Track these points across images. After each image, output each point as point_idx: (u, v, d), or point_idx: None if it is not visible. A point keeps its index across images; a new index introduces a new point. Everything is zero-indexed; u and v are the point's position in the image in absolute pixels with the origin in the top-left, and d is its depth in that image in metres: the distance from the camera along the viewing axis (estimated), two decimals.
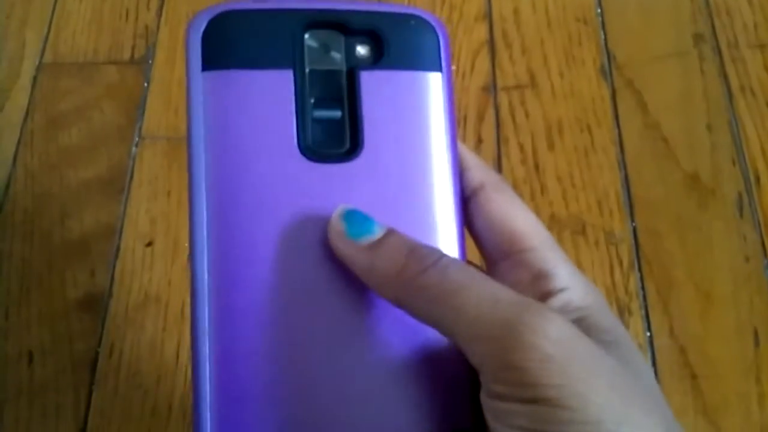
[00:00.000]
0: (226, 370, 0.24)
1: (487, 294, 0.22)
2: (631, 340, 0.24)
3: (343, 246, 0.25)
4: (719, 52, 0.76)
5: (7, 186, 0.74)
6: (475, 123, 0.74)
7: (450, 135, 0.28)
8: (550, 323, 0.21)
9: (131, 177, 0.74)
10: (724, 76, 0.75)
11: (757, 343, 0.64)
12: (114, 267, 0.70)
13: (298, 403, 0.25)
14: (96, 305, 0.69)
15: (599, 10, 0.80)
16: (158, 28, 0.82)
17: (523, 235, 0.27)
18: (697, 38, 0.77)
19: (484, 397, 0.22)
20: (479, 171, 0.28)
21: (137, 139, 0.76)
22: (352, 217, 0.25)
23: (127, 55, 0.81)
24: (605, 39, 0.78)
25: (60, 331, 0.68)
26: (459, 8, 0.81)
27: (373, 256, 0.24)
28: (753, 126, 0.73)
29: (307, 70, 0.27)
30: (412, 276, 0.23)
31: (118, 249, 0.71)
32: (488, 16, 0.80)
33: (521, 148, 0.73)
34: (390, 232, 0.25)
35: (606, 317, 0.25)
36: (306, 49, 0.27)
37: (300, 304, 0.25)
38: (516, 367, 0.21)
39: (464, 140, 0.74)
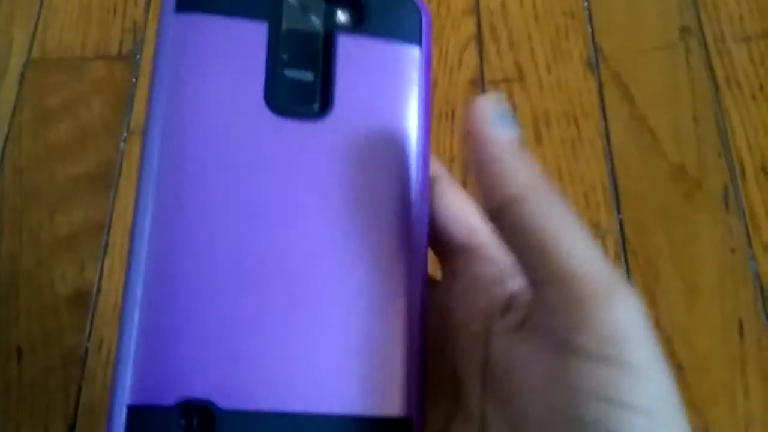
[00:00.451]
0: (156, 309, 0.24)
1: (591, 254, 0.22)
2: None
3: (487, 127, 0.23)
4: (705, 45, 0.77)
5: None
6: (463, 116, 0.75)
7: (422, 112, 0.27)
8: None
9: (120, 172, 0.74)
10: (711, 69, 0.76)
11: (742, 335, 0.64)
12: (103, 262, 0.70)
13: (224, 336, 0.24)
14: (85, 301, 0.69)
15: (586, 4, 0.80)
16: (146, 23, 0.82)
17: (480, 228, 0.27)
18: (684, 31, 0.78)
19: (545, 351, 0.22)
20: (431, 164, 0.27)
21: (125, 134, 0.76)
22: (500, 108, 0.24)
23: (115, 51, 0.81)
24: (592, 32, 0.78)
25: (49, 326, 0.68)
26: (447, 2, 0.81)
27: (514, 150, 0.23)
28: (739, 118, 0.73)
29: (283, 28, 0.26)
30: (546, 191, 0.23)
31: (107, 244, 0.71)
32: (476, 10, 0.80)
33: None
34: (521, 140, 0.24)
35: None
36: (284, 6, 0.26)
37: (251, 264, 0.24)
38: (614, 326, 0.21)
39: (452, 134, 0.74)
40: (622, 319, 0.21)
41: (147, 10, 0.83)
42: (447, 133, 0.74)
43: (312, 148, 0.25)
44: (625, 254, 0.68)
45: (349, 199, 0.25)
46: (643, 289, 0.67)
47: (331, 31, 0.26)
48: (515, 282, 0.26)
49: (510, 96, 0.76)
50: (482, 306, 0.26)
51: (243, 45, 0.25)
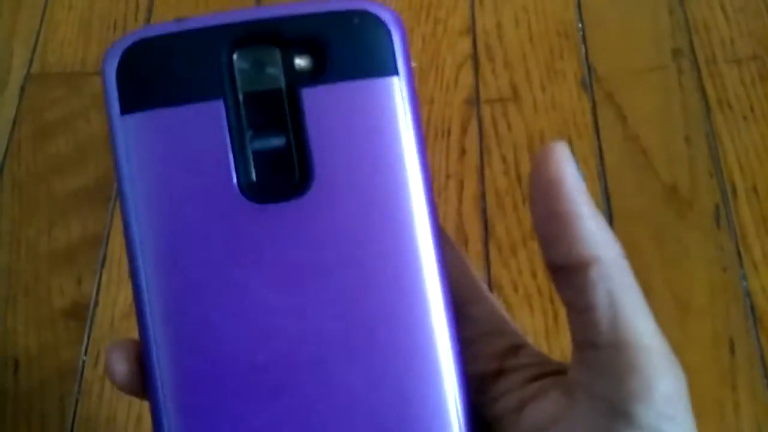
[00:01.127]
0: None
1: (653, 327, 0.23)
2: None
3: (574, 176, 0.23)
4: (697, 67, 0.78)
5: None
6: (458, 135, 0.76)
7: (418, 152, 0.24)
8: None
9: None
10: (702, 90, 0.77)
11: (732, 352, 0.65)
12: (101, 276, 0.71)
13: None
14: (82, 314, 0.69)
15: (580, 25, 0.81)
16: None
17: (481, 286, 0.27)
18: (676, 53, 0.79)
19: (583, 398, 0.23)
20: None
21: None
22: (573, 157, 0.23)
23: None
24: (586, 53, 0.79)
25: (46, 339, 0.68)
26: (443, 22, 0.82)
27: (597, 212, 0.23)
28: (730, 139, 0.74)
29: (240, 96, 0.23)
30: (621, 257, 0.23)
31: (104, 258, 0.72)
32: (472, 30, 0.81)
33: (504, 159, 0.74)
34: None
35: None
36: (236, 71, 0.23)
37: (268, 371, 0.23)
38: (671, 401, 0.22)
39: (448, 152, 0.75)
40: (677, 395, 0.22)
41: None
42: (443, 152, 0.75)
43: (298, 232, 0.23)
44: None
45: (355, 276, 0.23)
46: None
47: (293, 85, 0.23)
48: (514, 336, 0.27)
49: (505, 115, 0.76)
50: (489, 351, 0.26)
51: (201, 131, 0.23)
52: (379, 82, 0.23)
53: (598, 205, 0.71)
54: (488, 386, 0.25)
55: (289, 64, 0.23)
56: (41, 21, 0.84)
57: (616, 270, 0.23)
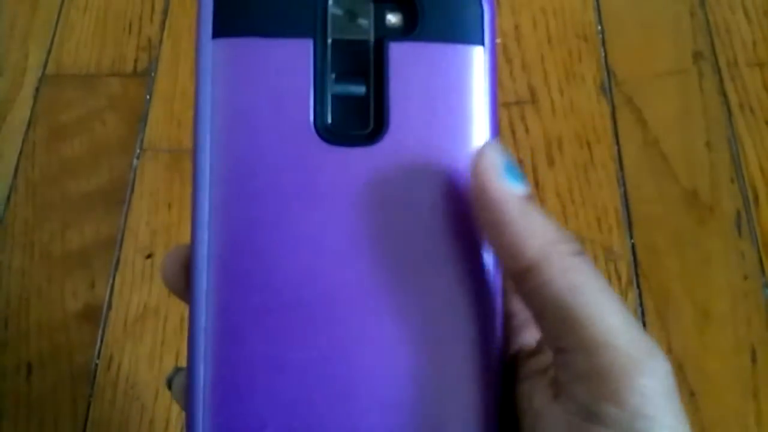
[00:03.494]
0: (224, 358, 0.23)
1: (619, 321, 0.21)
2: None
3: (497, 182, 0.22)
4: (718, 70, 0.77)
5: (8, 197, 0.75)
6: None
7: (491, 124, 0.24)
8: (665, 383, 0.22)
9: (132, 189, 0.74)
10: (724, 94, 0.76)
11: (754, 361, 0.64)
12: (114, 279, 0.70)
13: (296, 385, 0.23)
14: (95, 317, 0.69)
15: (599, 28, 0.80)
16: (161, 41, 0.83)
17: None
18: (697, 56, 0.78)
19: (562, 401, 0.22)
20: None
21: (139, 151, 0.76)
22: (506, 158, 0.22)
23: (129, 68, 0.81)
24: (605, 56, 0.79)
25: (59, 342, 0.68)
26: None
27: (527, 209, 0.22)
28: (752, 144, 0.73)
29: (329, 40, 0.23)
30: (559, 255, 0.22)
31: (118, 261, 0.71)
32: None
33: (521, 163, 0.73)
34: (533, 197, 0.23)
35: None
36: (329, 16, 0.23)
37: (315, 308, 0.23)
38: (645, 399, 0.21)
39: None
40: (653, 391, 0.21)
41: (162, 28, 0.84)
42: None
43: (366, 178, 0.23)
44: (638, 278, 0.68)
45: (413, 233, 0.23)
46: (654, 313, 0.66)
47: (382, 38, 0.23)
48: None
49: (523, 119, 0.76)
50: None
51: (287, 67, 0.23)
52: (465, 48, 0.24)
53: (616, 210, 0.70)
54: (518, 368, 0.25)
55: (380, 18, 0.24)
56: (56, 23, 0.84)
57: (560, 270, 0.22)
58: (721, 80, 0.76)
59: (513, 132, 0.75)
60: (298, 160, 0.23)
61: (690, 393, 0.63)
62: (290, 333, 0.23)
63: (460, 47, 0.24)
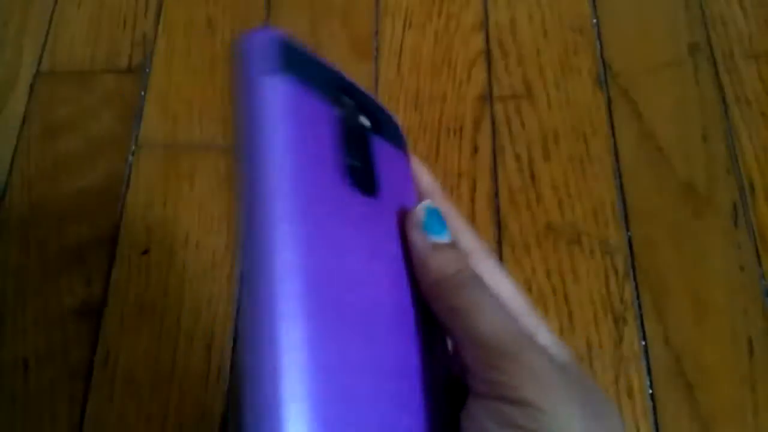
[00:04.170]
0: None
1: (499, 320, 0.27)
2: (597, 387, 0.29)
3: (416, 235, 0.29)
4: (714, 62, 0.77)
5: (4, 194, 0.74)
6: (471, 132, 0.75)
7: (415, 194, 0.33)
8: (542, 357, 0.26)
9: (128, 185, 0.74)
10: (719, 86, 0.75)
11: (751, 352, 0.64)
12: (110, 275, 0.70)
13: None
14: (92, 313, 0.69)
15: (595, 20, 0.80)
16: (156, 36, 0.83)
17: (508, 301, 0.30)
18: (693, 48, 0.78)
19: (472, 400, 0.26)
20: (468, 237, 0.32)
21: (134, 147, 0.76)
22: (432, 214, 0.29)
23: (124, 64, 0.81)
24: (601, 49, 0.78)
25: (55, 339, 0.68)
26: (456, 18, 0.81)
27: (431, 255, 0.28)
28: (748, 136, 0.73)
29: (345, 120, 0.28)
30: (448, 288, 0.28)
31: (114, 257, 0.71)
32: (485, 26, 0.80)
33: (517, 157, 0.73)
34: (453, 243, 0.29)
35: (576, 367, 0.30)
36: (344, 102, 0.29)
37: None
38: (509, 373, 0.25)
39: (460, 150, 0.74)
40: (538, 372, 0.25)
41: (157, 24, 0.83)
42: (455, 148, 0.74)
43: (382, 219, 0.29)
44: (634, 271, 0.68)
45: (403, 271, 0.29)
46: (651, 306, 0.66)
47: (366, 129, 0.30)
48: None
49: (519, 112, 0.76)
50: None
51: (325, 121, 0.27)
52: (402, 152, 0.33)
53: (613, 203, 0.70)
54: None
55: (365, 118, 0.31)
56: (51, 19, 0.84)
57: (452, 283, 0.28)
58: (717, 72, 0.76)
59: (509, 126, 0.75)
60: (330, 192, 0.26)
61: (687, 385, 0.63)
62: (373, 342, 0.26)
63: (400, 151, 0.33)
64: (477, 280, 0.28)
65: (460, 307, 0.27)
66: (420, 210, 0.29)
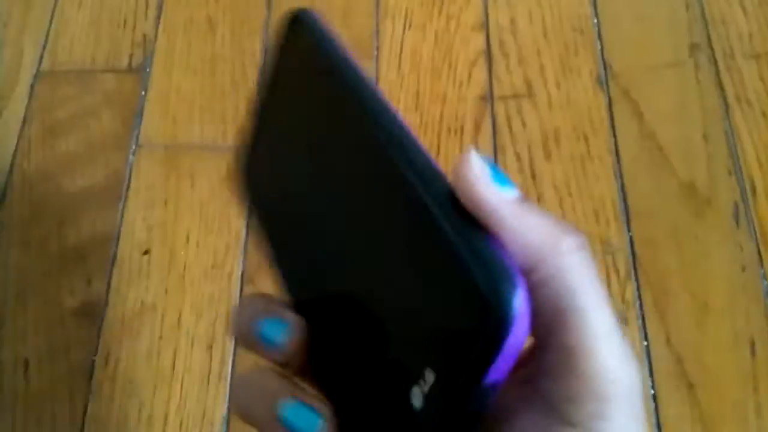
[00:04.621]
0: None
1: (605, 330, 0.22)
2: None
3: (487, 189, 0.21)
4: (715, 62, 0.77)
5: (4, 194, 0.74)
6: (472, 132, 0.75)
7: None
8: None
9: (128, 185, 0.74)
10: (720, 86, 0.75)
11: (753, 353, 0.64)
12: (111, 275, 0.70)
13: None
14: (92, 314, 0.69)
15: (596, 20, 0.80)
16: (156, 36, 0.82)
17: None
18: (693, 48, 0.78)
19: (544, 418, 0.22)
20: None
21: (134, 147, 0.76)
22: (491, 164, 0.22)
23: (124, 63, 0.81)
24: (601, 49, 0.78)
25: (56, 339, 0.68)
26: (456, 18, 0.81)
27: (521, 211, 0.22)
28: (749, 136, 0.73)
29: None
30: (556, 254, 0.22)
31: (114, 257, 0.71)
32: (485, 26, 0.80)
33: (518, 157, 0.73)
34: (524, 197, 0.22)
35: None
36: None
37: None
38: (605, 402, 0.21)
39: (461, 150, 0.74)
40: (617, 398, 0.21)
41: (157, 24, 0.83)
42: (455, 148, 0.74)
43: None
44: (636, 271, 0.68)
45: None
46: (653, 306, 0.66)
47: None
48: None
49: (519, 112, 0.75)
50: None
51: None
52: None
53: (614, 203, 0.70)
54: None
55: None
56: (51, 19, 0.84)
57: (557, 271, 0.22)
58: (717, 72, 0.76)
59: (510, 126, 0.75)
60: None
61: (689, 386, 0.63)
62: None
63: None
64: (585, 260, 0.22)
65: (564, 306, 0.21)
66: (475, 159, 0.22)
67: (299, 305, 0.26)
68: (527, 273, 0.21)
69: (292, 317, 0.25)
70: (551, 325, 0.22)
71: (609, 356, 0.21)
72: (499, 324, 0.19)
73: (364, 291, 0.24)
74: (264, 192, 0.30)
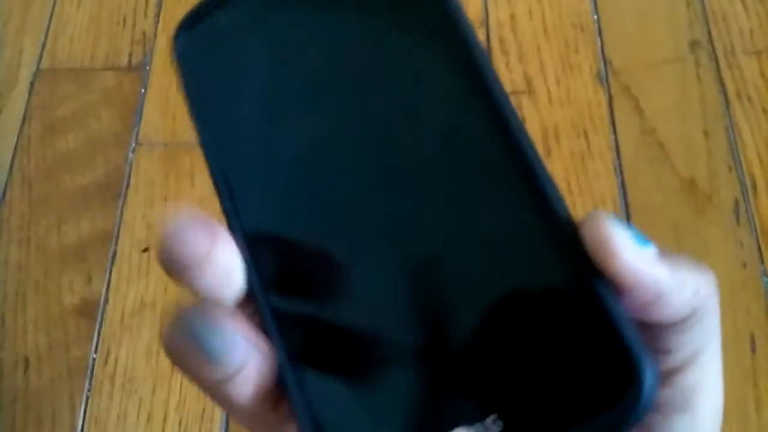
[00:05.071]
0: None
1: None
2: None
3: (634, 256, 0.19)
4: (716, 59, 0.77)
5: (4, 192, 0.74)
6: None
7: None
8: None
9: (128, 183, 0.74)
10: (721, 83, 0.75)
11: (753, 349, 0.64)
12: (110, 273, 0.70)
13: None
14: (92, 311, 0.69)
15: (596, 17, 0.80)
16: (156, 34, 0.82)
17: None
18: (694, 44, 0.78)
19: None
20: None
21: (134, 145, 0.76)
22: (626, 226, 0.20)
23: (124, 62, 0.81)
24: (602, 45, 0.78)
25: (56, 337, 0.68)
26: None
27: (673, 269, 0.20)
28: (749, 132, 0.73)
29: None
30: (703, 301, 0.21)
31: (114, 255, 0.71)
32: (485, 23, 0.80)
33: None
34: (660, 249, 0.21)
35: None
36: None
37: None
38: None
39: None
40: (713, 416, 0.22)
41: (156, 22, 0.83)
42: None
43: None
44: None
45: None
46: None
47: None
48: None
49: (519, 109, 0.75)
50: None
51: None
52: None
53: (614, 200, 0.70)
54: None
55: None
56: (51, 17, 0.84)
57: (703, 314, 0.21)
58: (718, 68, 0.76)
59: None
60: None
61: None
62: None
63: None
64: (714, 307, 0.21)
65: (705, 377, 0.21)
66: (608, 218, 0.19)
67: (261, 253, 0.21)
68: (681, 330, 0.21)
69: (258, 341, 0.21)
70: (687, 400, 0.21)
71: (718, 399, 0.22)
72: (638, 400, 0.18)
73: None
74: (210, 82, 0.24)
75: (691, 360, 0.21)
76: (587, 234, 0.19)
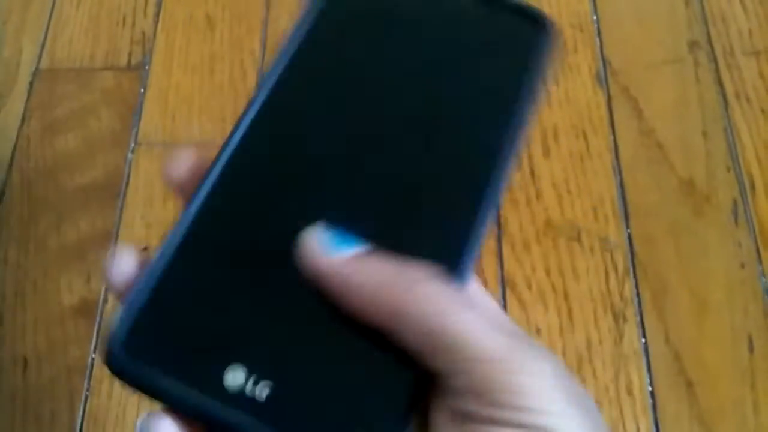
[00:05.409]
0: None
1: (485, 322, 0.21)
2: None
3: (323, 257, 0.23)
4: (714, 59, 0.77)
5: (3, 191, 0.74)
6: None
7: None
8: (547, 359, 0.21)
9: (127, 182, 0.74)
10: (720, 83, 0.75)
11: (751, 350, 0.64)
12: None
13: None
14: (91, 311, 0.69)
15: (595, 17, 0.80)
16: (155, 34, 0.82)
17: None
18: (693, 45, 0.78)
19: (463, 425, 0.21)
20: None
21: (133, 144, 0.76)
22: (330, 233, 0.23)
23: (123, 61, 0.81)
24: (601, 46, 0.78)
25: (55, 337, 0.68)
26: None
27: (354, 269, 0.22)
28: (748, 133, 0.73)
29: None
30: (401, 291, 0.22)
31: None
32: None
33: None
34: (371, 251, 0.23)
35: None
36: None
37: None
38: (521, 392, 0.20)
39: None
40: (542, 387, 0.21)
41: (156, 22, 0.83)
42: None
43: None
44: (634, 268, 0.68)
45: None
46: (651, 303, 0.66)
47: None
48: None
49: None
50: None
51: None
52: None
53: (612, 200, 0.70)
54: None
55: None
56: (50, 17, 0.84)
57: (415, 303, 0.22)
58: (717, 69, 0.76)
59: None
60: None
61: (687, 383, 0.63)
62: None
63: None
64: (437, 284, 0.22)
65: (438, 330, 0.21)
66: (311, 235, 0.23)
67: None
68: (390, 319, 0.22)
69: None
70: (435, 353, 0.21)
71: (502, 357, 0.21)
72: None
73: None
74: None
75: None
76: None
